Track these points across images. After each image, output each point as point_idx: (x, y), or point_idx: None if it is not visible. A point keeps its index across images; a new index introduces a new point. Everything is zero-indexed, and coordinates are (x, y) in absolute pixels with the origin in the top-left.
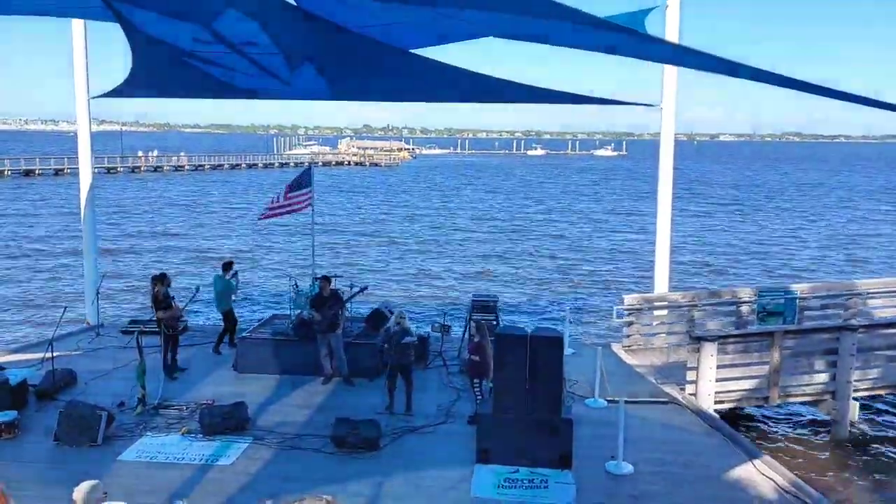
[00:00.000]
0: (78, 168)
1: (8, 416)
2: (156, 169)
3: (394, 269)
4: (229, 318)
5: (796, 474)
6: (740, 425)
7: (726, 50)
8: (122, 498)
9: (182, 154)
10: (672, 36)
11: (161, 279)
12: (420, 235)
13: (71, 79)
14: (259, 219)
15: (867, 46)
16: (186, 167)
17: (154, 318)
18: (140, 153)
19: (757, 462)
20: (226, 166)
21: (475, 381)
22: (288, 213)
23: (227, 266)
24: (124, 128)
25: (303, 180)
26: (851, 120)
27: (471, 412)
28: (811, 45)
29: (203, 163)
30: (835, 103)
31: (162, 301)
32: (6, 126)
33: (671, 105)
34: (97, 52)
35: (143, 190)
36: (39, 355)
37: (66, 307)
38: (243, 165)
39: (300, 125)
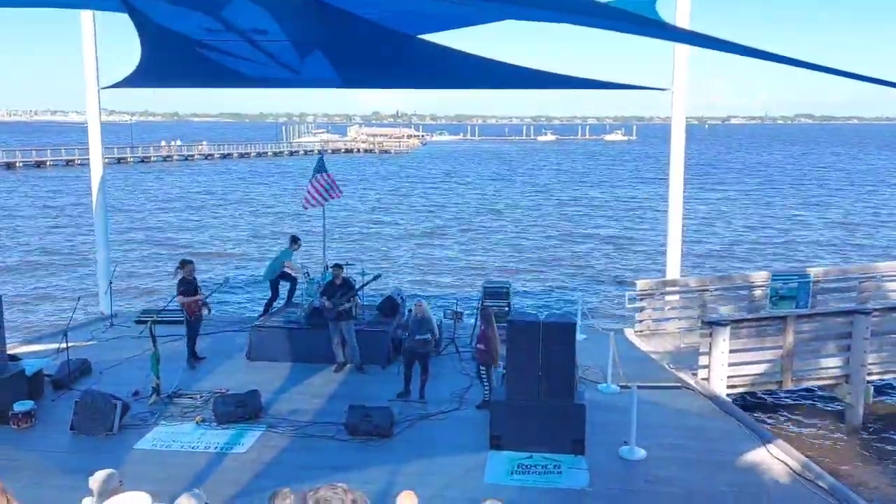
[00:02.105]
0: (88, 159)
1: (25, 405)
2: (165, 159)
3: (406, 256)
4: (273, 288)
5: (810, 458)
6: (753, 410)
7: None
8: (138, 486)
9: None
10: (683, 16)
11: (191, 263)
12: (432, 223)
13: (80, 69)
14: (306, 207)
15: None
16: (196, 156)
17: (169, 304)
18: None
19: (770, 446)
20: (235, 155)
21: (482, 368)
22: (324, 198)
23: (294, 240)
24: (133, 118)
25: (320, 168)
26: (864, 101)
27: (480, 399)
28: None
29: (212, 152)
30: (847, 85)
31: (190, 284)
32: (16, 118)
33: (682, 88)
34: (108, 42)
35: (152, 181)
36: (54, 345)
37: (79, 297)
38: (252, 154)
39: (309, 113)
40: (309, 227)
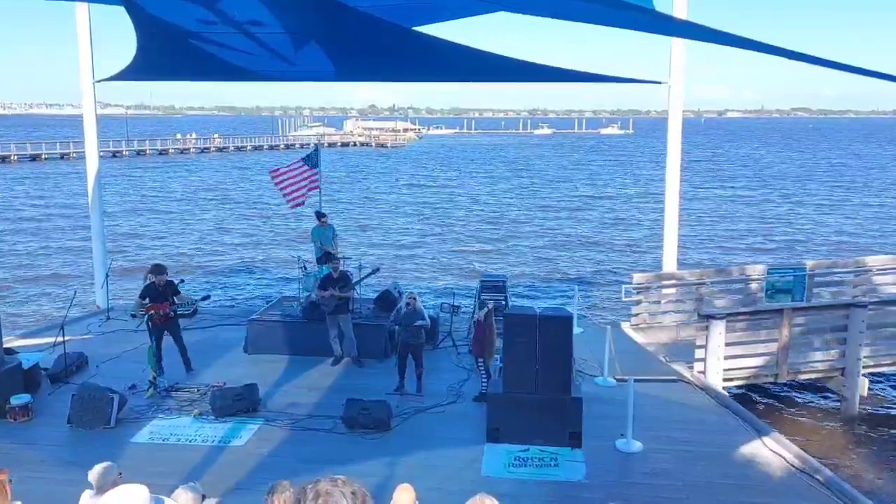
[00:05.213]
0: (83, 152)
1: (21, 399)
2: (161, 153)
3: (403, 250)
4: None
5: (806, 450)
6: (749, 403)
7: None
8: (135, 480)
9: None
10: (680, 9)
11: (163, 274)
12: (430, 217)
13: (76, 63)
14: (291, 207)
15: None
16: (192, 150)
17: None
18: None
19: (766, 439)
20: (231, 148)
21: (479, 360)
22: (308, 189)
23: (320, 216)
24: (128, 111)
25: (312, 159)
26: (858, 95)
27: (477, 391)
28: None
29: (208, 145)
30: (841, 79)
31: (156, 290)
32: (11, 111)
33: (679, 82)
34: (105, 35)
35: (150, 175)
36: (51, 339)
37: (76, 291)
38: (249, 147)
39: (305, 106)
40: (306, 222)
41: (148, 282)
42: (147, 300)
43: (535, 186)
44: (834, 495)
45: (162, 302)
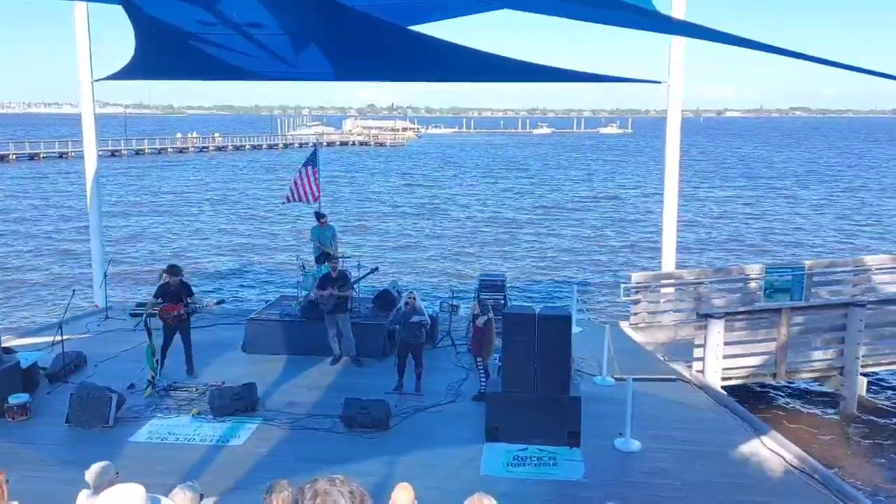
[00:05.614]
0: (82, 151)
1: (20, 398)
2: (160, 151)
3: (402, 249)
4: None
5: (804, 450)
6: (748, 402)
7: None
8: (134, 479)
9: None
10: (679, 7)
11: (177, 276)
12: (429, 217)
13: (74, 61)
14: (287, 201)
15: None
16: (191, 149)
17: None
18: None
19: (765, 438)
20: (230, 147)
21: (478, 359)
22: (313, 188)
23: (319, 217)
24: (127, 110)
25: (312, 160)
26: (857, 95)
27: (476, 391)
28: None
29: (207, 144)
30: (840, 79)
31: (169, 289)
32: (10, 110)
33: (678, 81)
34: (103, 33)
35: (148, 174)
36: (49, 338)
37: (74, 290)
38: (248, 147)
39: (304, 105)
40: (305, 222)
41: (162, 281)
42: (161, 300)
43: (534, 186)
44: (832, 494)
45: (175, 302)
